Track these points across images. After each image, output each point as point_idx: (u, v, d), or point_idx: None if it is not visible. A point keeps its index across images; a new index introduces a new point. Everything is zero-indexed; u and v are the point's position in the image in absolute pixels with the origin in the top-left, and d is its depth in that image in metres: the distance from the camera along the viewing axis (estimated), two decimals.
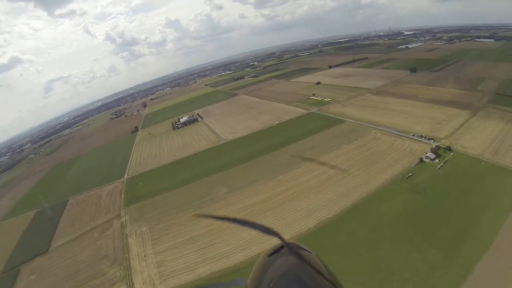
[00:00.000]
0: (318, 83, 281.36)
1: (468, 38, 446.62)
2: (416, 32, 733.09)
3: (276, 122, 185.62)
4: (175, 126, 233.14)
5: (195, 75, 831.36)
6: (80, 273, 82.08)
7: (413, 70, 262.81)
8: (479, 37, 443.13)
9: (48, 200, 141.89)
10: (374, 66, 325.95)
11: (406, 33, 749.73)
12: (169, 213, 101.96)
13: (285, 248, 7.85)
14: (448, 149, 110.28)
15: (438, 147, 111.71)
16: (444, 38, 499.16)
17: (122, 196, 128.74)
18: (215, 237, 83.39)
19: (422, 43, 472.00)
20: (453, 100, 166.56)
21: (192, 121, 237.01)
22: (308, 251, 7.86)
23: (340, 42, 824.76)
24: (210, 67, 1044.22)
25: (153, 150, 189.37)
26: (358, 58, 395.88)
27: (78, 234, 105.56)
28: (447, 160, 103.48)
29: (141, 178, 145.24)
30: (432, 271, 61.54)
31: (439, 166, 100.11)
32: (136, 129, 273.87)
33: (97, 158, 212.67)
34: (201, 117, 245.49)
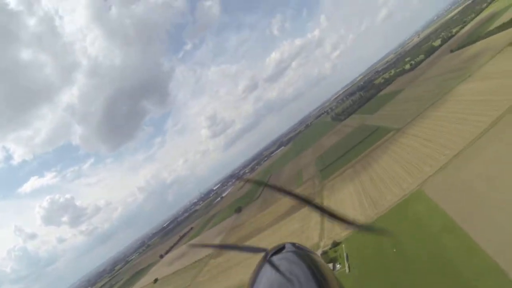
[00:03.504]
0: (156, 280, 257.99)
1: (265, 159, 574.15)
2: (222, 182, 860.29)
3: None
4: None
5: None
6: None
7: (239, 210, 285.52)
8: (274, 150, 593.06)
9: None
10: (202, 231, 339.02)
11: (215, 188, 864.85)
12: None
13: (286, 248, 8.35)
14: (335, 245, 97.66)
15: (326, 252, 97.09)
16: (246, 171, 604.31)
17: None
18: None
19: (230, 189, 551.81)
20: (294, 205, 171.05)
21: None
22: (309, 251, 8.45)
23: (164, 228, 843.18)
24: None
25: None
26: (184, 233, 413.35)
27: None
28: (346, 255, 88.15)
29: None
30: None
31: (347, 271, 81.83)
32: None
33: None
34: None
